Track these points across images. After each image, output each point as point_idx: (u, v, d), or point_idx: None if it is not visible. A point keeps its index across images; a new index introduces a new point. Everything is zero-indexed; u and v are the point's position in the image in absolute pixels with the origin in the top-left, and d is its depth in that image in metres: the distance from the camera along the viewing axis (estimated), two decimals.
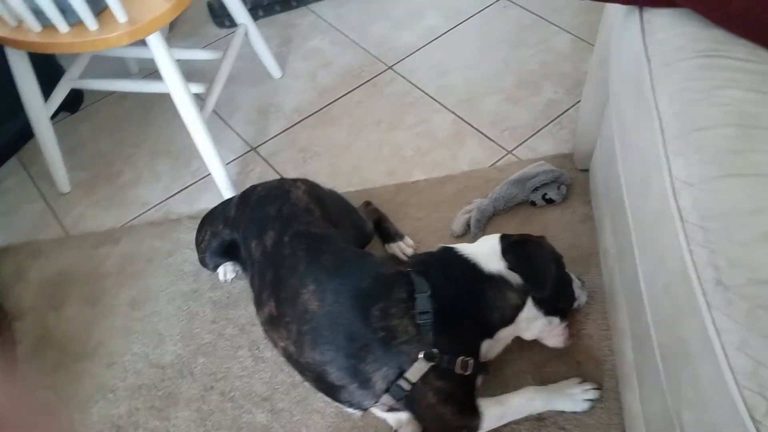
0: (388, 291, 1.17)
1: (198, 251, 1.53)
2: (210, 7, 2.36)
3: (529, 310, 1.22)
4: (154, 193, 1.86)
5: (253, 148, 1.93)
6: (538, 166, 1.59)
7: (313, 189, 1.44)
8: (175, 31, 2.35)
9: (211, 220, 1.50)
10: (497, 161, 1.76)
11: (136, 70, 2.21)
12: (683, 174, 0.84)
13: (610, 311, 1.36)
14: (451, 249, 1.26)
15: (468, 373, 1.14)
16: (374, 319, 1.14)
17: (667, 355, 0.86)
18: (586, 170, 1.64)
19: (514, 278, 1.20)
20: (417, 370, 1.12)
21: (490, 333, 1.21)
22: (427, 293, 1.15)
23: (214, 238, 1.46)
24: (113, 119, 2.10)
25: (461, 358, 1.14)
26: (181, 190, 1.85)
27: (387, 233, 1.58)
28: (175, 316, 1.55)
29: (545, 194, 1.56)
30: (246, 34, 1.92)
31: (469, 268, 1.21)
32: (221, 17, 2.32)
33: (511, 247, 1.22)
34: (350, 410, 1.25)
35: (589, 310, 1.40)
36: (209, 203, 1.65)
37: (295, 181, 1.46)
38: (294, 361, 1.25)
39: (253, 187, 1.46)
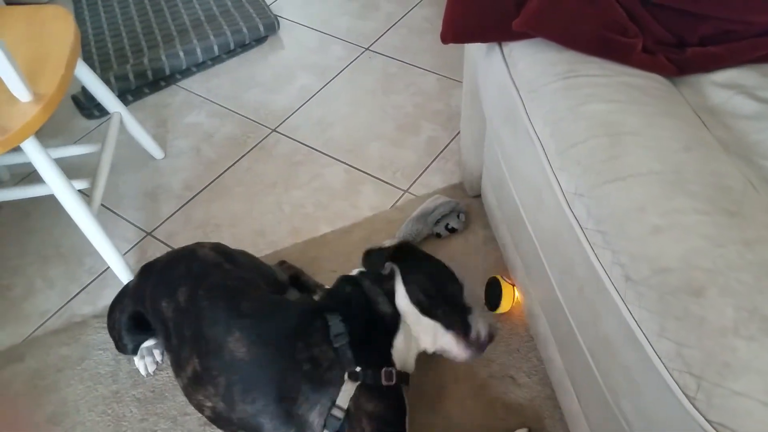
0: (307, 324, 1.22)
1: (113, 338, 1.47)
2: (75, 100, 2.28)
3: (402, 298, 1.27)
4: (52, 300, 1.75)
5: (149, 233, 1.87)
6: (435, 200, 1.66)
7: (219, 247, 1.45)
8: (42, 130, 2.24)
9: (117, 300, 1.47)
10: (396, 202, 1.82)
11: (7, 177, 2.08)
12: (571, 187, 0.92)
13: (530, 322, 1.44)
14: (346, 275, 1.37)
15: (393, 382, 1.17)
16: (299, 352, 1.17)
17: (595, 353, 0.92)
18: (478, 196, 1.74)
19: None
20: (345, 393, 1.14)
21: (391, 335, 1.25)
22: (338, 317, 1.21)
23: (122, 314, 1.42)
24: None
25: (383, 369, 1.18)
26: (80, 291, 1.75)
27: (306, 287, 1.59)
28: (100, 423, 1.46)
29: (447, 224, 1.64)
30: (121, 121, 1.88)
31: (354, 281, 1.32)
32: (89, 109, 2.25)
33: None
34: None
35: (510, 324, 1.47)
36: (112, 299, 1.56)
37: (198, 243, 1.45)
38: (225, 420, 1.21)
39: (154, 260, 1.44)
